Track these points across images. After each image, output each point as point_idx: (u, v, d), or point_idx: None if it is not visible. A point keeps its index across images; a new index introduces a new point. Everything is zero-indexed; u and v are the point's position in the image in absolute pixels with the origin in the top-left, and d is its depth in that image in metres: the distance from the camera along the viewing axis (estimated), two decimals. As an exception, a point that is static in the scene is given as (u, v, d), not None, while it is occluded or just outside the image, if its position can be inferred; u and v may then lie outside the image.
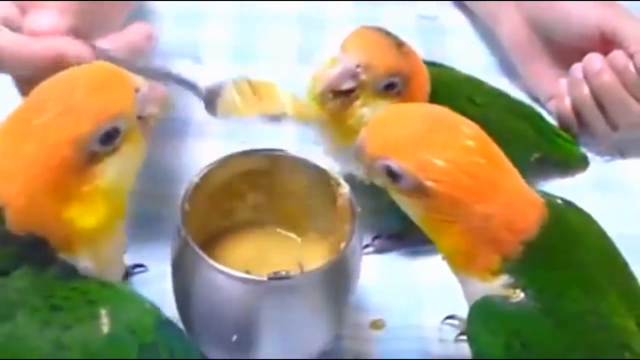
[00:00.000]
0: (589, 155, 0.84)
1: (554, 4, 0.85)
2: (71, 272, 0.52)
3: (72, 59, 0.60)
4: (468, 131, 0.56)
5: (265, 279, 0.59)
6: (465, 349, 0.68)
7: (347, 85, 0.66)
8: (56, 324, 0.49)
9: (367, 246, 0.74)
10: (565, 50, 0.86)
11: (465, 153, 0.55)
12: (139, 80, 0.54)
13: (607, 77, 0.81)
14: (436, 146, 0.55)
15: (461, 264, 0.57)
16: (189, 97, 0.79)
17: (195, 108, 0.84)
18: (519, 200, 0.56)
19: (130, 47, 0.66)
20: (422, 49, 0.76)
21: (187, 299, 0.62)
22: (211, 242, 0.66)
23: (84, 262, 0.52)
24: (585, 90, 0.82)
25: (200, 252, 0.59)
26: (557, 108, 0.86)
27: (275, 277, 0.60)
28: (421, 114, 0.58)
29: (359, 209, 0.63)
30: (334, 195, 0.65)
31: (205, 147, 0.81)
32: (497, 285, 0.56)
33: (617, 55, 0.81)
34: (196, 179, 0.63)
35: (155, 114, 0.55)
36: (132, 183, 0.55)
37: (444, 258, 0.59)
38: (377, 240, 0.75)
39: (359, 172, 0.60)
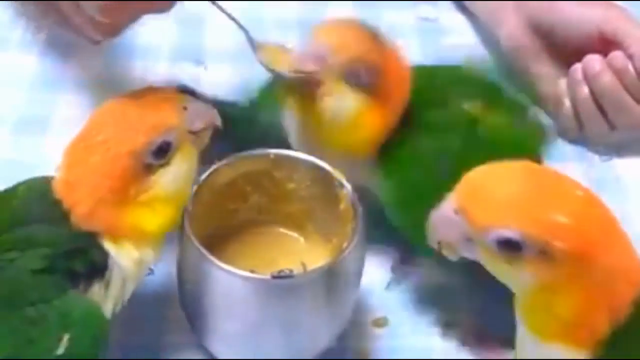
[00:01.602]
0: (588, 154, 0.85)
1: (554, 5, 0.85)
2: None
3: None
4: (570, 182, 0.53)
5: (269, 277, 0.60)
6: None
7: (311, 66, 0.63)
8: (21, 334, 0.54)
9: (389, 284, 0.72)
10: (565, 52, 0.86)
11: (580, 205, 0.52)
12: (187, 99, 0.61)
13: (607, 79, 0.81)
14: (550, 203, 0.51)
15: (562, 332, 0.52)
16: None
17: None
18: (630, 247, 0.52)
19: None
20: (422, 50, 0.77)
21: (191, 298, 0.63)
22: (215, 242, 0.66)
23: (124, 261, 0.58)
24: (585, 91, 0.83)
25: (205, 252, 0.60)
26: (556, 109, 0.87)
27: (279, 276, 0.61)
28: (515, 171, 0.54)
29: (361, 209, 0.63)
30: (337, 195, 0.66)
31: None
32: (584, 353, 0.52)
33: (617, 56, 0.81)
34: (201, 180, 0.64)
35: (205, 128, 0.61)
36: (188, 191, 0.62)
37: (530, 325, 0.54)
38: (397, 271, 0.74)
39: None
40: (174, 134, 0.59)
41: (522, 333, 0.55)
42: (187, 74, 0.90)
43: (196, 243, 0.60)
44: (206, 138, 0.62)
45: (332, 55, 0.63)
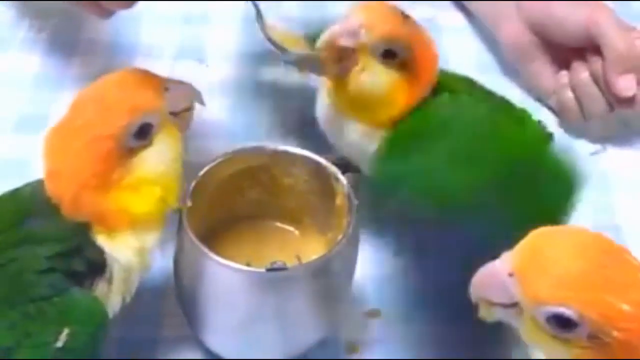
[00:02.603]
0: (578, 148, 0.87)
1: (547, 5, 0.87)
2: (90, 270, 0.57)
3: None
4: (635, 261, 0.50)
5: (263, 270, 0.61)
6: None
7: (346, 42, 0.65)
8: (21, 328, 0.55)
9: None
10: (564, 50, 0.88)
11: None
12: (169, 79, 0.60)
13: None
14: (615, 285, 0.48)
15: None
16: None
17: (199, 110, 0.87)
18: None
19: None
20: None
21: (188, 292, 0.64)
22: (212, 236, 0.67)
23: (122, 255, 0.58)
24: (585, 73, 0.85)
25: (200, 245, 0.61)
26: (559, 101, 0.88)
27: (273, 269, 0.62)
28: (583, 242, 0.50)
29: (356, 202, 0.64)
30: (333, 190, 0.67)
31: (207, 145, 0.83)
32: None
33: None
34: (199, 175, 0.65)
35: (187, 108, 0.61)
36: (176, 173, 0.60)
37: None
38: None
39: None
40: (155, 116, 0.58)
41: None
42: (188, 72, 0.91)
43: (192, 236, 0.61)
44: (189, 119, 0.61)
45: (367, 32, 0.65)
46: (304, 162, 0.68)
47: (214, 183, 0.67)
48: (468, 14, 1.01)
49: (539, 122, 0.79)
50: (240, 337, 0.64)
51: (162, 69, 0.89)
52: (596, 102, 0.85)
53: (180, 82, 0.61)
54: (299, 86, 0.89)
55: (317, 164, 0.68)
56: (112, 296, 0.59)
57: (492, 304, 0.52)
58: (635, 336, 0.47)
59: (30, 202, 0.58)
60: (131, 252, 0.59)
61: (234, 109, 0.89)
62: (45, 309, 0.56)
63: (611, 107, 0.85)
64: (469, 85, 0.78)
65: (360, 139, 0.70)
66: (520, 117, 0.79)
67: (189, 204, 0.63)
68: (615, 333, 0.47)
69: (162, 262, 0.66)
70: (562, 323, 0.48)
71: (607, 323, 0.47)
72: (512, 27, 0.90)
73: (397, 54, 0.66)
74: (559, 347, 0.49)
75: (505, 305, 0.51)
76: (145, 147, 0.58)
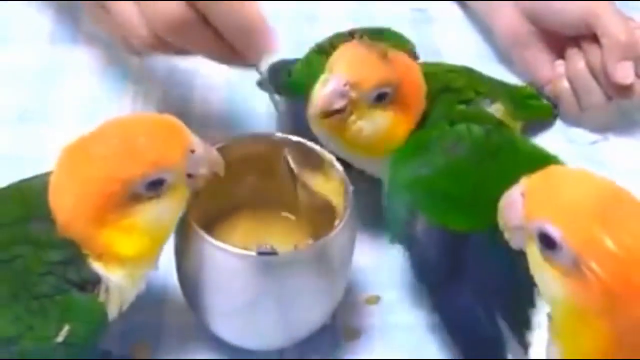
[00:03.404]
0: (577, 137, 0.87)
1: None
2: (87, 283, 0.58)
3: None
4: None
5: (254, 253, 0.61)
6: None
7: (338, 104, 0.66)
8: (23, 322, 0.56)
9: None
10: (560, 39, 0.88)
11: None
12: (197, 142, 0.59)
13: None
14: (611, 225, 0.47)
15: None
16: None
17: (195, 101, 0.87)
18: None
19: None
20: (415, 41, 0.79)
21: (188, 277, 0.64)
22: (212, 224, 0.68)
23: (114, 277, 0.58)
24: (582, 63, 0.86)
25: (197, 228, 0.61)
26: (555, 90, 0.89)
27: (265, 252, 0.63)
28: (597, 184, 0.51)
29: (352, 188, 0.65)
30: (330, 176, 0.67)
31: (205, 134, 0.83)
32: None
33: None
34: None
35: (206, 175, 0.60)
36: (170, 230, 0.60)
37: (560, 347, 0.51)
38: None
39: None
40: (172, 174, 0.58)
41: (552, 348, 0.53)
42: (184, 66, 0.92)
43: (190, 221, 0.61)
44: (202, 183, 0.61)
45: (354, 88, 0.66)
46: (301, 149, 0.69)
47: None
48: (462, 3, 1.01)
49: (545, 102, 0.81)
50: (239, 321, 0.64)
51: (160, 62, 0.91)
52: (593, 93, 0.85)
53: (207, 148, 0.61)
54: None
55: (313, 150, 0.68)
56: (109, 305, 0.60)
57: (510, 229, 0.54)
58: (618, 280, 0.47)
59: (38, 199, 0.58)
60: (121, 278, 0.59)
61: (233, 100, 0.89)
62: (48, 306, 0.57)
63: (608, 97, 0.85)
64: (469, 77, 0.78)
65: (363, 164, 0.73)
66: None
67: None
68: (594, 267, 0.47)
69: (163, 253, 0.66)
70: (547, 242, 0.49)
71: (587, 253, 0.47)
72: (507, 15, 0.91)
73: (387, 94, 0.68)
74: (548, 271, 0.50)
75: (517, 228, 0.53)
76: (151, 198, 0.57)
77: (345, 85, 0.66)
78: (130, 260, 0.58)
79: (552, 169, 0.53)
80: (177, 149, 0.58)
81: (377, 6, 1.00)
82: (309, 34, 0.95)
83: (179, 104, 0.87)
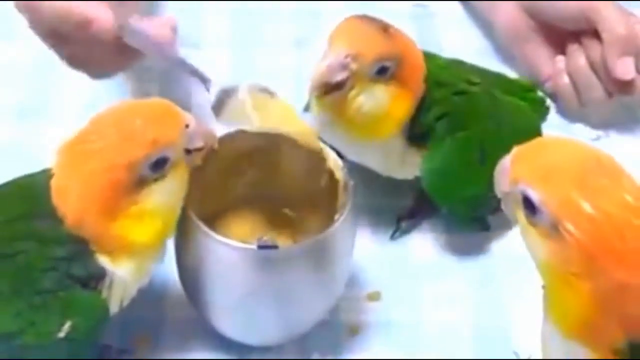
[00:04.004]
0: (578, 134, 0.87)
1: None
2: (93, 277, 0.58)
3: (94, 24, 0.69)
4: (629, 185, 0.50)
5: (254, 247, 0.61)
6: (461, 319, 0.70)
7: (339, 77, 0.65)
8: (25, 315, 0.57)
9: (395, 232, 0.76)
10: (561, 34, 0.88)
11: (620, 208, 0.48)
12: (189, 117, 0.60)
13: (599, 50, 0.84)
14: (589, 189, 0.49)
15: (576, 330, 0.51)
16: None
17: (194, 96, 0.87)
18: None
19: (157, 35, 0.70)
20: (417, 36, 0.79)
21: (188, 270, 0.64)
22: (211, 219, 0.67)
23: (120, 271, 0.58)
24: (582, 59, 0.85)
25: (198, 221, 0.61)
26: (555, 86, 0.88)
27: (265, 246, 0.62)
28: (581, 151, 0.52)
29: (352, 183, 0.64)
30: (330, 170, 0.67)
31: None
32: None
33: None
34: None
35: (201, 148, 0.61)
36: (178, 208, 0.61)
37: (552, 316, 0.53)
38: (402, 223, 0.77)
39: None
40: (173, 151, 0.58)
41: (546, 325, 0.54)
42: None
43: (190, 214, 0.61)
44: (199, 158, 0.61)
45: (356, 60, 0.65)
46: (300, 144, 0.68)
47: (212, 166, 0.67)
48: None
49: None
50: (239, 316, 0.64)
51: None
52: (593, 89, 0.85)
53: (200, 122, 0.61)
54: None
55: (313, 144, 0.68)
56: (111, 300, 0.60)
57: (503, 196, 0.55)
58: (593, 242, 0.48)
59: (40, 196, 0.58)
60: (129, 271, 0.59)
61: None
62: (50, 302, 0.57)
63: (609, 94, 0.85)
64: (458, 69, 0.78)
65: (361, 152, 0.71)
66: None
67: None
68: (569, 228, 0.48)
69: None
70: (529, 206, 0.51)
71: (564, 216, 0.48)
72: (508, 10, 0.90)
73: (388, 68, 0.67)
74: (532, 234, 0.51)
75: (506, 194, 0.54)
76: (156, 180, 0.58)
77: (346, 57, 0.65)
78: (143, 248, 0.59)
79: (541, 138, 0.55)
80: (174, 125, 0.59)
81: (379, 1, 1.00)
82: (311, 28, 0.95)
83: (177, 99, 0.86)
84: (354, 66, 0.65)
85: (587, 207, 0.48)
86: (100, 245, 0.58)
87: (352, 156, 0.72)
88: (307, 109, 0.78)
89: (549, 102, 0.87)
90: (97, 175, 0.56)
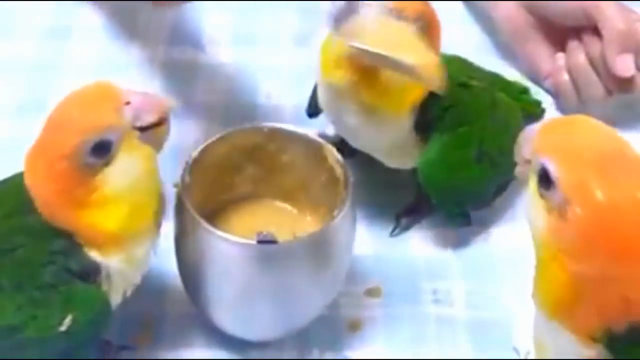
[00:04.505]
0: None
1: None
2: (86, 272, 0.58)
3: None
4: None
5: (254, 242, 0.61)
6: (460, 315, 0.70)
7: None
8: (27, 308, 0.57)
9: (395, 228, 0.76)
10: (561, 31, 0.88)
11: (631, 202, 0.49)
12: (130, 92, 0.58)
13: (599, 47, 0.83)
14: (606, 178, 0.49)
15: (558, 311, 0.52)
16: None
17: (195, 95, 0.87)
18: None
19: None
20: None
21: (188, 266, 0.64)
22: (211, 215, 0.67)
23: (114, 263, 0.58)
24: (582, 56, 0.85)
25: (197, 216, 0.61)
26: (555, 83, 0.88)
27: (264, 241, 0.62)
28: (608, 137, 0.52)
29: (352, 178, 0.64)
30: (329, 166, 0.67)
31: (202, 126, 0.84)
32: (592, 353, 0.52)
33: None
34: (195, 154, 0.65)
35: (157, 122, 0.58)
36: (147, 194, 0.59)
37: (535, 296, 0.54)
38: (402, 220, 0.77)
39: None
40: (114, 132, 0.56)
41: (534, 307, 0.55)
42: (185, 57, 0.92)
43: (190, 209, 0.61)
44: (164, 133, 0.59)
45: (400, 15, 0.64)
46: (300, 140, 0.68)
47: (211, 162, 0.67)
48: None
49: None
50: (238, 311, 0.64)
51: (158, 53, 0.91)
52: (593, 86, 0.85)
53: (145, 95, 0.59)
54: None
55: (313, 141, 0.68)
56: (112, 292, 0.60)
57: (521, 161, 0.56)
58: (595, 231, 0.49)
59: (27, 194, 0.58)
60: (122, 261, 0.59)
61: (233, 91, 0.89)
62: (51, 296, 0.57)
63: (608, 91, 0.85)
64: (461, 64, 0.78)
65: (367, 130, 0.70)
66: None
67: (188, 180, 0.63)
68: (579, 213, 0.49)
69: (163, 243, 0.66)
70: (545, 179, 0.51)
71: (576, 199, 0.49)
72: (507, 7, 0.90)
73: (423, 27, 0.66)
74: (538, 206, 0.52)
75: (526, 161, 0.55)
76: (107, 164, 0.56)
77: (390, 11, 0.64)
78: (119, 235, 0.58)
79: (573, 116, 0.54)
80: (108, 107, 0.57)
81: None
82: (312, 24, 0.96)
83: (179, 96, 0.86)
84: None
85: (599, 195, 0.49)
86: (83, 238, 0.57)
87: (356, 137, 0.72)
88: (310, 111, 0.78)
89: (544, 105, 0.87)
90: (44, 171, 0.56)
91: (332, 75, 0.68)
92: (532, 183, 0.53)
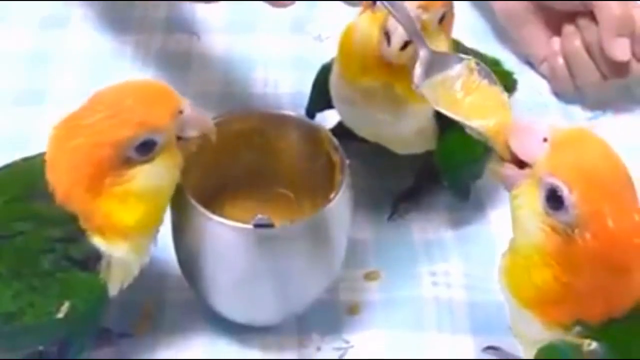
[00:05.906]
0: (575, 114, 0.87)
1: None
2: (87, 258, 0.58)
3: None
4: (636, 200, 0.52)
5: (251, 226, 0.61)
6: (459, 298, 0.71)
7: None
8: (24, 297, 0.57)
9: (393, 214, 0.77)
10: (557, 16, 0.88)
11: (633, 228, 0.50)
12: (186, 104, 0.59)
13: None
14: (618, 206, 0.50)
15: (531, 302, 0.53)
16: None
17: (191, 83, 0.87)
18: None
19: None
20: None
21: (186, 252, 0.64)
22: (209, 201, 0.66)
23: (117, 252, 0.58)
24: (578, 41, 0.85)
25: (194, 202, 0.61)
26: (551, 67, 0.88)
27: (261, 225, 0.62)
28: (616, 160, 0.52)
29: (347, 162, 0.64)
30: (326, 151, 0.67)
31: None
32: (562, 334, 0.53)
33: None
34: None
35: (195, 137, 0.60)
36: (166, 197, 0.60)
37: (508, 284, 0.55)
38: (400, 204, 0.77)
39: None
40: (161, 135, 0.58)
41: (506, 294, 0.56)
42: (180, 45, 0.92)
43: (187, 195, 0.61)
44: (194, 146, 0.61)
45: (426, 10, 0.65)
46: (297, 124, 0.69)
47: (209, 147, 0.66)
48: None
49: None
50: (236, 295, 0.64)
51: (154, 42, 0.91)
52: (588, 71, 0.85)
53: (197, 110, 0.60)
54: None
55: (309, 125, 0.68)
56: (111, 281, 0.60)
57: (510, 159, 0.55)
58: (603, 254, 0.49)
59: (37, 176, 0.58)
60: (125, 252, 0.59)
61: (229, 77, 0.89)
62: (49, 283, 0.57)
63: (603, 76, 0.85)
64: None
65: (408, 119, 0.70)
66: None
67: (184, 166, 0.63)
68: (590, 240, 0.49)
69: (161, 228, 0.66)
70: (555, 199, 0.51)
71: (589, 227, 0.49)
72: None
73: (444, 16, 0.67)
74: (538, 220, 0.52)
75: (522, 165, 0.54)
76: (144, 162, 0.57)
77: (418, 8, 0.64)
78: (131, 230, 0.58)
79: (580, 130, 0.54)
80: (165, 110, 0.58)
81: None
82: (307, 12, 0.96)
83: (175, 81, 0.86)
84: (424, 17, 0.65)
85: (611, 224, 0.49)
86: (90, 223, 0.57)
87: (380, 130, 0.72)
88: (309, 112, 0.78)
89: (516, 75, 0.86)
90: (83, 151, 0.56)
91: (362, 76, 0.68)
92: (531, 192, 0.53)
